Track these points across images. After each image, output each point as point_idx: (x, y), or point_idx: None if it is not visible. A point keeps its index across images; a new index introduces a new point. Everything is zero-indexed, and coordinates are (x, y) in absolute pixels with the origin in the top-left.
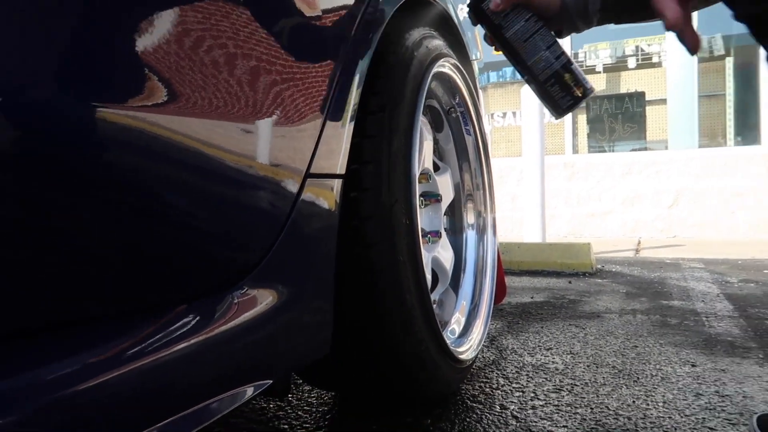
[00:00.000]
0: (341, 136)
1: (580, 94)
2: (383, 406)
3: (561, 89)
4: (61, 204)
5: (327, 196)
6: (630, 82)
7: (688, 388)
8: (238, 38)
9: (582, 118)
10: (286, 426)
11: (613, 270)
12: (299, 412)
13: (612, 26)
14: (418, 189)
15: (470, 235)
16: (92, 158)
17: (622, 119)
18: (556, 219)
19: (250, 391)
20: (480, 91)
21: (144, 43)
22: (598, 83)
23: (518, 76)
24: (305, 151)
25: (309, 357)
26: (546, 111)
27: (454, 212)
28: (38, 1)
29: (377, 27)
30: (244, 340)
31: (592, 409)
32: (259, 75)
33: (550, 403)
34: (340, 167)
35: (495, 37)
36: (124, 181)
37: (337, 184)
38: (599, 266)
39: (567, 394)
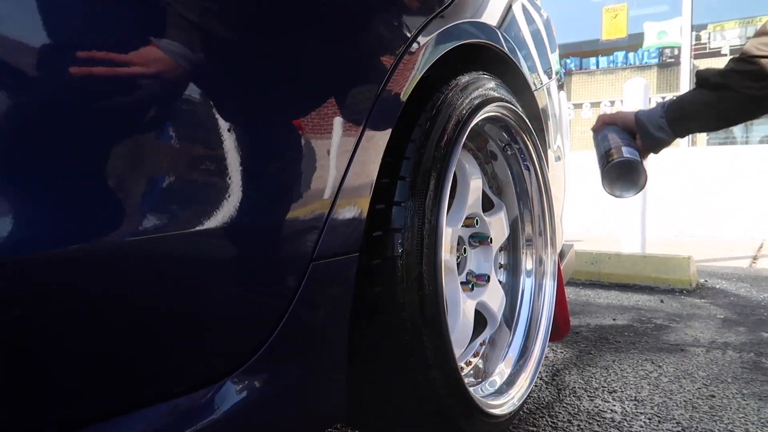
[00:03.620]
0: (359, 208)
1: (616, 159)
2: None
3: (606, 158)
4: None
5: (338, 275)
6: None
7: None
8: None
9: None
10: None
11: (717, 287)
12: None
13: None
14: (448, 251)
15: (527, 284)
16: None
17: None
18: (666, 217)
19: None
20: (559, 100)
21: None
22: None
23: (630, 61)
24: (312, 233)
25: (315, 429)
26: (651, 101)
27: (515, 248)
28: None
29: (405, 90)
30: (234, 426)
31: None
32: (265, 141)
33: None
34: (355, 243)
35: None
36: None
37: (351, 260)
38: (701, 280)
39: None
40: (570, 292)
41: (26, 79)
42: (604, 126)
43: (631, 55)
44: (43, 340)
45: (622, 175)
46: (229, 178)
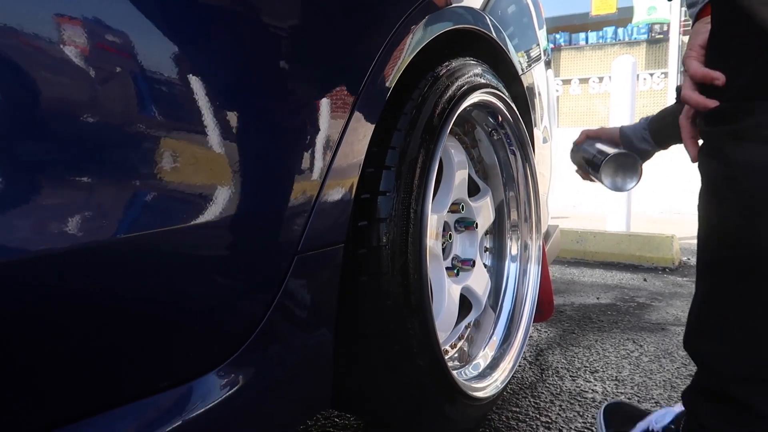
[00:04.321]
0: (345, 198)
1: (614, 151)
2: None
3: (601, 155)
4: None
5: (324, 265)
6: None
7: None
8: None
9: None
10: None
11: None
12: None
13: None
14: (433, 238)
15: (512, 269)
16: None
17: None
18: (654, 194)
19: None
20: (546, 78)
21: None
22: None
23: (619, 36)
24: (297, 225)
25: (301, 418)
26: (639, 77)
27: (500, 233)
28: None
29: (391, 78)
30: (222, 417)
31: None
32: (251, 132)
33: None
34: (340, 233)
35: (576, 157)
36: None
37: (337, 251)
38: (684, 259)
39: None
40: (555, 271)
41: (26, 78)
42: (588, 139)
43: (620, 30)
44: (26, 338)
45: (619, 168)
46: (213, 171)
